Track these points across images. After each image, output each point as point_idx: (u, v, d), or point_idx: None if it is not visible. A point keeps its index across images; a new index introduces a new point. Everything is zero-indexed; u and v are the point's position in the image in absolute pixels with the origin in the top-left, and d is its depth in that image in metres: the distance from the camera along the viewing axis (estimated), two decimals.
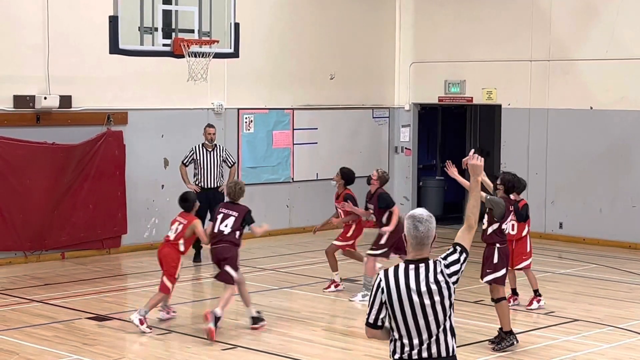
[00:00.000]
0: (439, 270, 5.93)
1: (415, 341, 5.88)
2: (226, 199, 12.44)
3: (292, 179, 19.45)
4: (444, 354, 5.89)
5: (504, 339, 10.74)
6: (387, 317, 5.95)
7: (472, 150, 6.79)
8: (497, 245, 10.97)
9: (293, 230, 19.27)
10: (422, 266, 5.92)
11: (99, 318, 12.12)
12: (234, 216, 11.65)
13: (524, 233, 12.70)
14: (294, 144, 19.42)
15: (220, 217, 11.68)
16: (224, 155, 16.23)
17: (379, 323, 5.97)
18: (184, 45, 15.12)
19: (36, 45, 15.76)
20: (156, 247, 16.95)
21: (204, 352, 10.61)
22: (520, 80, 19.34)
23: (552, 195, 18.65)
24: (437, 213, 21.01)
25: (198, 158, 16.00)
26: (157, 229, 17.30)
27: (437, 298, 5.86)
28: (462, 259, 6.04)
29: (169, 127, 17.39)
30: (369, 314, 5.98)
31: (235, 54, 15.21)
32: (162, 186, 17.30)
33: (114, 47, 14.41)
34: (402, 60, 20.97)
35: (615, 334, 11.61)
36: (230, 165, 16.30)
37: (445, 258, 6.00)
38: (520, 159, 19.32)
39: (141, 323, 11.33)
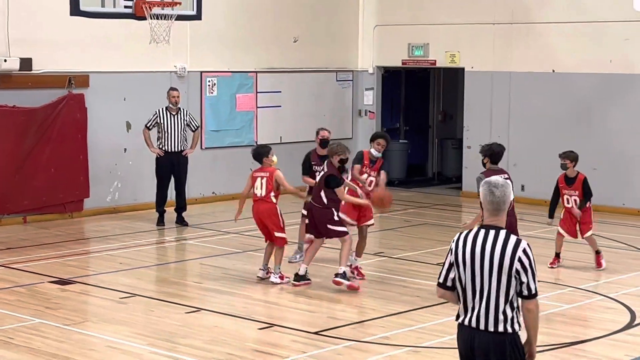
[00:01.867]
0: (512, 243, 5.88)
1: (470, 306, 5.94)
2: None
3: (256, 142, 19.38)
4: (492, 327, 5.88)
5: None
6: (453, 278, 6.01)
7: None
8: None
9: None
10: (492, 232, 5.93)
11: (62, 282, 12.07)
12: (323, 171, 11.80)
13: (588, 205, 13.07)
14: (257, 107, 19.36)
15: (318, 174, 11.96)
16: (187, 119, 16.13)
17: (449, 283, 6.04)
18: (146, 7, 15.01)
19: None
20: (120, 210, 17.01)
21: (167, 316, 10.61)
22: (483, 43, 19.38)
23: (515, 157, 18.75)
24: (401, 176, 21.09)
25: (162, 121, 15.89)
26: (120, 192, 17.24)
27: (495, 267, 5.86)
28: (530, 279, 5.91)
29: (131, 90, 17.25)
30: (440, 274, 6.09)
31: (197, 16, 15.15)
32: (125, 150, 17.20)
33: (75, 9, 14.29)
34: (366, 23, 20.93)
35: (576, 295, 11.75)
36: (193, 129, 16.20)
37: (528, 256, 5.89)
38: (483, 122, 19.41)
39: (282, 279, 11.85)
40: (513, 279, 5.85)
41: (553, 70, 18.52)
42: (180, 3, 14.75)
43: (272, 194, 11.94)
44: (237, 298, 11.44)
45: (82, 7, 13.64)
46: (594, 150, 17.79)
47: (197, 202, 17.79)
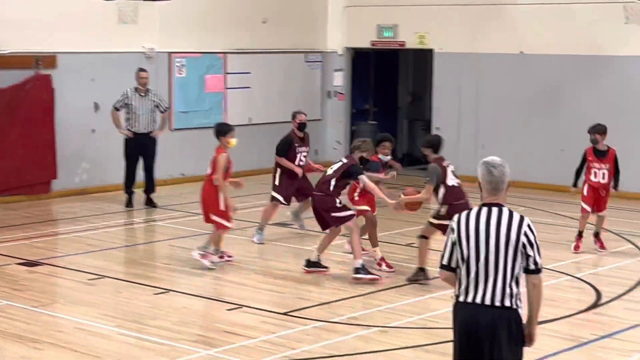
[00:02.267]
0: (517, 219, 5.95)
1: (473, 284, 5.95)
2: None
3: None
4: (498, 302, 5.92)
5: (417, 274, 11.16)
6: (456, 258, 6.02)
7: None
8: (454, 203, 10.91)
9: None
10: (494, 210, 5.98)
11: (29, 263, 12.02)
12: (341, 161, 11.46)
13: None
14: (226, 88, 19.30)
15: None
16: (156, 101, 16.05)
17: (453, 265, 6.04)
18: None
19: None
20: (88, 192, 16.94)
21: (136, 297, 10.60)
22: (452, 25, 19.42)
23: (483, 139, 18.85)
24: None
25: (130, 102, 15.80)
26: (88, 173, 17.16)
27: (502, 242, 5.91)
28: (536, 254, 6.01)
29: (99, 71, 17.14)
30: (442, 256, 6.09)
31: None
32: (93, 131, 17.11)
33: None
34: (335, 4, 20.89)
35: (543, 275, 11.82)
36: (162, 110, 16.13)
37: (532, 231, 5.97)
38: (452, 104, 19.48)
39: (203, 257, 11.68)
40: (519, 253, 5.92)
41: (521, 52, 18.60)
42: None
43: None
44: (205, 279, 11.44)
45: None
46: (562, 131, 17.91)
47: (166, 184, 17.74)
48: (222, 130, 12.04)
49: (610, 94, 17.64)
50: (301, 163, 13.52)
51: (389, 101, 22.57)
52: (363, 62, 21.76)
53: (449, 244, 6.04)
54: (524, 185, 17.93)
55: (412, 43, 20.11)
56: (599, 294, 10.89)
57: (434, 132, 19.75)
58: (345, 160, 11.51)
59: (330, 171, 11.45)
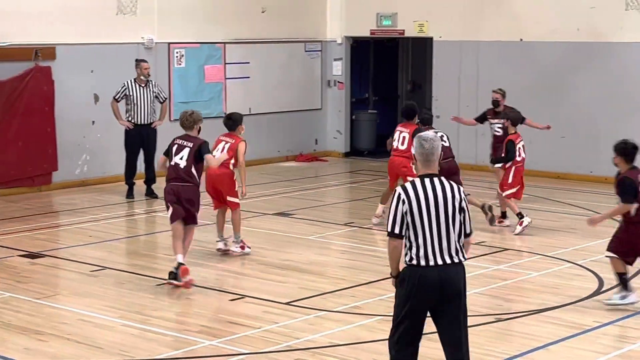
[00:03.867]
0: (455, 187, 6.73)
1: (431, 247, 6.62)
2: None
3: (225, 113, 19.30)
4: (456, 259, 6.67)
5: None
6: (405, 227, 6.65)
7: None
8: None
9: None
10: (435, 180, 6.69)
11: (31, 255, 12.03)
12: (188, 147, 10.98)
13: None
14: (226, 79, 19.28)
15: (174, 149, 11.04)
16: (156, 91, 16.04)
17: (403, 233, 6.67)
18: None
19: None
20: (88, 183, 16.93)
21: (139, 288, 10.61)
22: (451, 12, 19.38)
23: (483, 127, 18.79)
24: (371, 146, 21.11)
25: (130, 93, 15.79)
26: (89, 165, 17.15)
27: (450, 208, 6.64)
28: (469, 217, 6.90)
29: (99, 62, 17.11)
30: (392, 226, 6.68)
31: None
32: (93, 122, 17.09)
33: None
34: None
35: (544, 262, 11.86)
36: (161, 101, 16.12)
37: (465, 196, 6.81)
38: (452, 92, 19.46)
39: (242, 248, 11.88)
40: (459, 216, 6.68)
41: (521, 39, 18.57)
42: None
43: (232, 160, 11.88)
44: (208, 270, 11.45)
45: None
46: (562, 118, 17.88)
47: None
48: (240, 119, 12.34)
49: (610, 81, 17.61)
50: None
51: (388, 90, 22.56)
52: (362, 51, 21.74)
53: (399, 214, 6.64)
54: (525, 173, 17.91)
55: (411, 31, 20.07)
56: (601, 281, 10.89)
57: (434, 119, 19.78)
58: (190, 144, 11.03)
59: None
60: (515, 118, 14.08)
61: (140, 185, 16.00)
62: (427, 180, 6.67)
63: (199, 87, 18.80)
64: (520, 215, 13.37)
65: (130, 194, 15.94)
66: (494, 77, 18.85)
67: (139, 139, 15.88)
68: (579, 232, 13.31)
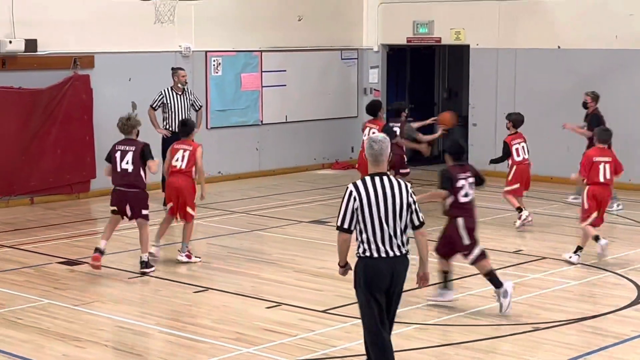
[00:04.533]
0: (402, 184, 7.33)
1: (381, 241, 7.24)
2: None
3: (261, 121, 19.40)
4: (404, 251, 7.33)
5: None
6: (356, 222, 7.24)
7: None
8: None
9: (262, 172, 19.29)
10: (385, 178, 7.28)
11: (70, 262, 12.12)
12: (131, 151, 11.50)
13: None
14: (262, 87, 19.34)
15: (118, 154, 11.50)
16: (192, 99, 16.13)
17: (353, 227, 7.26)
18: None
19: None
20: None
21: (176, 295, 10.66)
22: (488, 20, 19.32)
23: (557, 136, 18.67)
24: (407, 154, 20.99)
25: (167, 102, 15.89)
26: None
27: (398, 204, 7.24)
28: (418, 211, 7.54)
29: (136, 70, 17.24)
30: (342, 221, 7.28)
31: None
32: None
33: None
34: (371, 1, 20.86)
35: (582, 271, 11.77)
36: (197, 108, 16.21)
37: (412, 193, 7.40)
38: (489, 99, 19.38)
39: (189, 257, 11.95)
40: (406, 212, 7.28)
41: (558, 47, 18.48)
42: None
43: (194, 168, 12.00)
44: (244, 277, 11.47)
45: None
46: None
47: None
48: (193, 125, 12.62)
49: None
50: None
51: (424, 97, 22.49)
52: (398, 59, 21.71)
53: (350, 210, 7.25)
54: (562, 181, 17.81)
55: (447, 39, 20.04)
56: None
57: (471, 127, 19.72)
58: (133, 148, 11.60)
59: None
60: (517, 120, 14.55)
61: None
62: (376, 179, 7.26)
63: (235, 95, 18.87)
64: (519, 210, 13.93)
65: (167, 202, 15.96)
66: (531, 85, 18.79)
67: None
68: (617, 241, 13.20)
